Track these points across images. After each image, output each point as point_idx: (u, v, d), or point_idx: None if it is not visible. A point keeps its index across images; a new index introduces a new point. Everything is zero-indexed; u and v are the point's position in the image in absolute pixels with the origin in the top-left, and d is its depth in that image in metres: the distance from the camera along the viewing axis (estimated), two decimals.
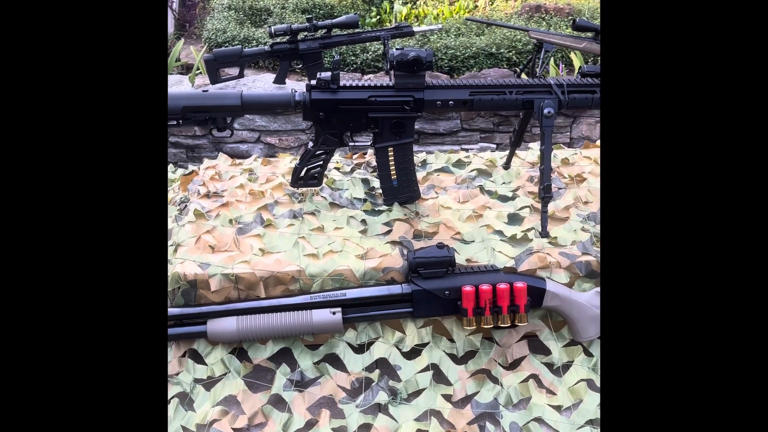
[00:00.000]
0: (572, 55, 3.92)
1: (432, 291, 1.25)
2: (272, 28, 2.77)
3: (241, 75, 3.05)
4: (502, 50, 3.92)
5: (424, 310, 1.26)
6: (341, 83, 1.38)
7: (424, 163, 1.76)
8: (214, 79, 2.93)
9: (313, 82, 1.37)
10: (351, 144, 1.45)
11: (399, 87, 1.38)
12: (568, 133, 3.84)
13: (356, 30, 3.07)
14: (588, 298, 1.29)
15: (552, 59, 4.24)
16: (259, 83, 3.61)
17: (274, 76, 3.32)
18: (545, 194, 1.37)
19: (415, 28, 3.10)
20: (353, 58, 3.84)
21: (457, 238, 1.39)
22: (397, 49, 1.34)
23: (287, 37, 2.89)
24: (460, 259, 1.32)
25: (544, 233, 1.38)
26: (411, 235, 1.39)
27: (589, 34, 3.04)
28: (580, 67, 1.48)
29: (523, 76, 3.54)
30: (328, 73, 1.37)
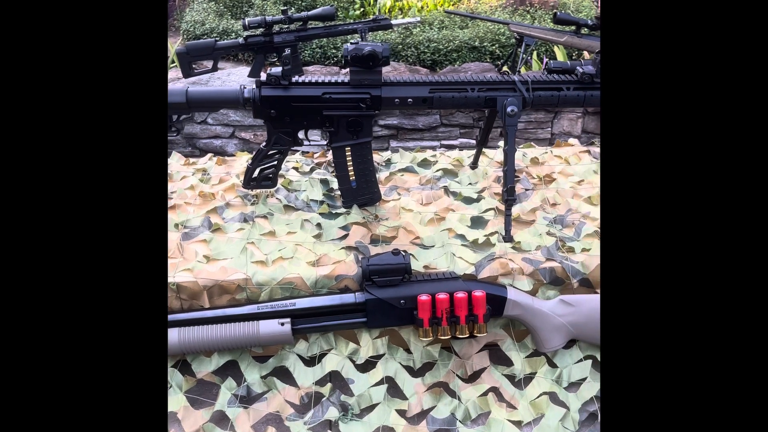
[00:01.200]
0: (556, 49, 3.86)
1: (386, 300, 1.18)
2: (246, 20, 2.69)
3: (214, 68, 2.97)
4: (485, 44, 3.87)
5: (378, 321, 1.19)
6: (294, 79, 1.31)
7: (388, 162, 1.69)
8: (187, 72, 2.84)
9: (264, 77, 1.29)
10: (306, 143, 1.38)
11: (354, 83, 1.30)
12: (549, 129, 3.78)
13: (333, 22, 2.99)
14: (551, 306, 1.22)
15: (535, 53, 4.18)
16: (235, 77, 3.53)
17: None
18: (509, 197, 1.31)
19: (393, 21, 3.02)
20: (334, 50, 3.77)
21: (416, 243, 1.33)
22: (351, 43, 1.27)
23: (262, 30, 2.81)
24: (418, 266, 1.25)
25: (507, 237, 1.32)
26: (368, 240, 1.33)
27: (571, 28, 2.98)
28: (547, 63, 1.42)
29: (505, 69, 3.48)
30: (279, 69, 1.29)
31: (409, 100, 1.31)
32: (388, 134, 3.66)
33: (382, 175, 1.61)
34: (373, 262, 1.18)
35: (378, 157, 1.70)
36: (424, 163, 1.69)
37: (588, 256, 1.28)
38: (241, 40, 2.84)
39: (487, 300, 1.19)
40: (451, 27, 4.07)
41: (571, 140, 1.81)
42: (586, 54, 3.72)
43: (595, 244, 1.31)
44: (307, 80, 1.31)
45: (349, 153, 1.37)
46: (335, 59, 3.77)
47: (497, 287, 1.22)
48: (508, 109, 1.29)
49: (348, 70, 1.30)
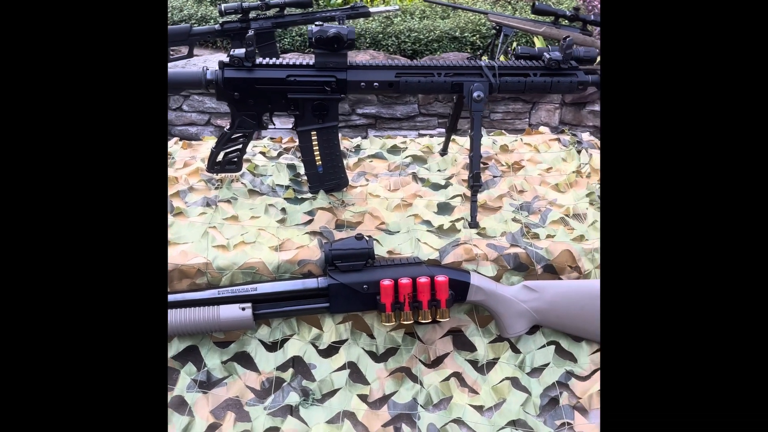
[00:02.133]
0: (536, 40, 3.86)
1: (349, 285, 1.17)
2: (222, 6, 2.66)
3: (190, 54, 2.93)
4: (466, 34, 3.86)
5: (341, 306, 1.18)
6: (258, 61, 1.29)
7: (357, 148, 1.68)
8: None
9: (226, 59, 1.27)
10: (271, 127, 1.36)
11: (319, 66, 1.29)
12: (527, 119, 3.80)
13: (311, 9, 2.96)
14: (514, 292, 1.22)
15: (515, 44, 4.17)
16: (211, 63, 3.48)
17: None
18: (474, 183, 1.30)
19: (372, 9, 3.00)
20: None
21: (382, 229, 1.32)
22: (316, 25, 1.25)
23: (238, 16, 2.77)
24: (381, 251, 1.24)
25: (473, 223, 1.32)
26: (333, 226, 1.31)
27: (550, 19, 2.97)
28: (514, 49, 1.40)
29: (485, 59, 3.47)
30: (242, 50, 1.27)
31: (375, 84, 1.30)
32: (366, 123, 3.65)
33: (350, 161, 1.59)
34: (335, 247, 1.17)
35: (348, 143, 1.69)
36: (394, 150, 1.68)
37: (552, 243, 1.28)
38: (217, 26, 2.80)
39: (450, 285, 1.18)
40: (432, 17, 4.06)
41: (542, 128, 1.81)
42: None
43: (560, 231, 1.32)
44: (271, 62, 1.29)
45: (315, 137, 1.36)
46: None
47: (461, 272, 1.21)
48: (474, 95, 1.28)
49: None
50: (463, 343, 1.26)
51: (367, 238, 1.19)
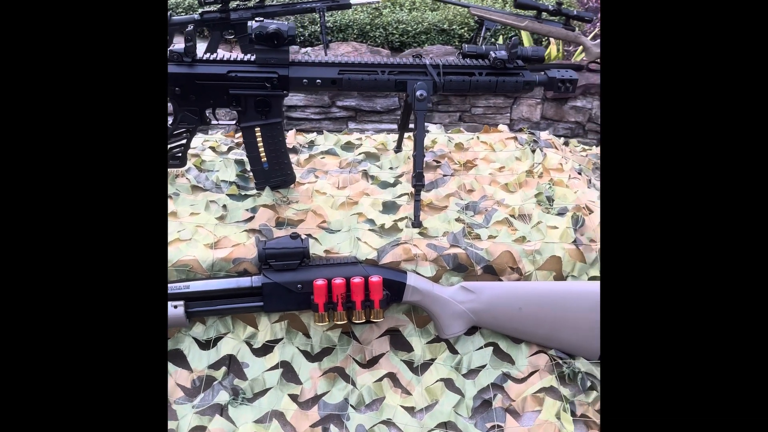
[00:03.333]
0: (523, 34, 3.84)
1: (283, 284, 1.16)
2: None
3: (169, 43, 2.91)
4: (454, 27, 3.85)
5: (275, 305, 1.18)
6: (199, 56, 1.27)
7: (311, 144, 1.67)
8: None
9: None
10: (213, 123, 1.35)
11: (261, 62, 1.27)
12: (509, 115, 3.78)
13: (291, 0, 2.95)
14: (452, 293, 1.22)
15: (501, 38, 4.15)
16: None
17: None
18: (417, 182, 1.29)
19: (352, 0, 2.98)
20: (300, 29, 3.72)
21: (323, 227, 1.31)
22: (256, 21, 1.24)
23: (218, 6, 2.76)
24: (320, 250, 1.23)
25: (416, 223, 1.31)
26: (273, 223, 1.31)
27: (532, 13, 2.95)
28: (504, 42, 1.38)
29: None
30: (182, 45, 1.25)
31: (318, 81, 1.28)
32: (346, 116, 3.63)
33: (302, 157, 1.58)
34: (269, 245, 1.16)
35: (301, 138, 1.68)
36: (348, 146, 1.67)
37: (493, 243, 1.27)
38: (196, 15, 2.78)
39: (386, 285, 1.18)
40: (421, 8, 4.04)
41: (501, 126, 1.80)
42: (553, 41, 3.70)
43: (503, 232, 1.31)
44: (212, 57, 1.28)
45: (259, 133, 1.34)
46: (302, 37, 3.73)
47: (397, 273, 1.21)
48: (417, 93, 1.27)
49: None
50: (400, 344, 1.25)
51: (303, 237, 1.18)
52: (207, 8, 2.73)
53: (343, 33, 3.82)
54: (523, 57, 1.32)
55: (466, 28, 3.82)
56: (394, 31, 3.79)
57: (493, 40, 3.80)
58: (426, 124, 1.32)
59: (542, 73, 1.34)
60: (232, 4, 2.76)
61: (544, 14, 2.93)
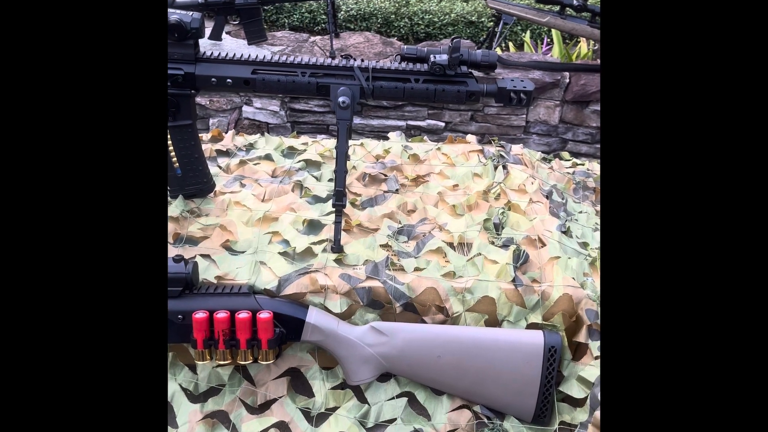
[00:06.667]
0: (552, 32, 3.60)
1: None
2: None
3: None
4: (483, 19, 3.67)
5: None
6: None
7: (250, 146, 1.51)
8: None
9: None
10: None
11: None
12: (525, 116, 3.54)
13: None
14: (360, 334, 1.05)
15: (528, 34, 3.93)
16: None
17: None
18: (336, 202, 1.13)
19: None
20: (324, 17, 3.62)
21: (227, 246, 1.16)
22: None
23: None
24: (212, 274, 1.08)
25: (336, 247, 1.15)
26: (171, 239, 1.16)
27: (554, 8, 2.74)
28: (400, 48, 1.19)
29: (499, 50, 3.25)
30: None
31: (228, 80, 1.13)
32: None
33: (233, 162, 1.43)
34: None
35: (241, 140, 1.53)
36: (291, 152, 1.50)
37: (418, 277, 1.10)
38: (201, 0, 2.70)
39: (281, 321, 1.02)
40: None
41: (469, 137, 1.61)
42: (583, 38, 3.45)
43: (434, 263, 1.13)
44: None
45: (169, 136, 1.20)
46: (323, 25, 3.61)
47: (297, 307, 1.05)
48: (340, 100, 1.10)
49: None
50: (301, 387, 1.09)
51: (186, 261, 1.03)
52: None
53: (366, 22, 3.68)
54: (471, 63, 1.13)
55: (495, 21, 3.63)
56: (420, 22, 3.64)
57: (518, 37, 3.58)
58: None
59: (494, 83, 1.16)
60: None
61: (569, 10, 2.71)
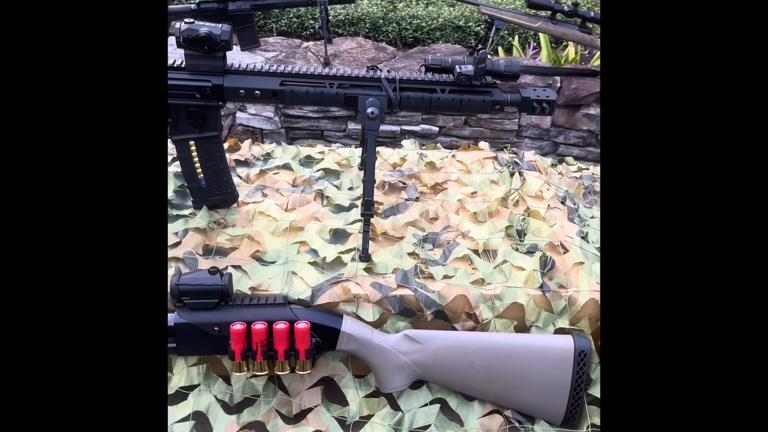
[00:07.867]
0: (541, 37, 3.64)
1: (198, 325, 1.02)
2: None
3: None
4: (470, 24, 3.70)
5: (189, 348, 1.04)
6: None
7: (267, 156, 1.52)
8: None
9: None
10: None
11: (191, 69, 1.13)
12: (517, 119, 3.58)
13: None
14: (394, 342, 1.07)
15: (517, 39, 3.96)
16: None
17: None
18: (365, 211, 1.14)
19: None
20: (312, 21, 3.61)
21: (257, 257, 1.16)
22: (186, 22, 1.09)
23: None
24: (246, 285, 1.09)
25: (364, 256, 1.16)
26: (201, 251, 1.16)
27: (546, 13, 2.77)
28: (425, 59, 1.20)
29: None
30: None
31: (257, 92, 1.13)
32: (346, 115, 3.47)
33: (252, 172, 1.43)
34: (184, 281, 1.02)
35: (258, 150, 1.53)
36: (308, 161, 1.51)
37: (447, 285, 1.11)
38: (193, 5, 2.68)
39: (317, 331, 1.03)
40: (438, 3, 3.88)
41: (482, 143, 1.63)
42: (571, 43, 3.50)
43: (462, 271, 1.15)
44: None
45: (194, 147, 1.20)
46: (312, 30, 3.61)
47: (331, 317, 1.06)
48: (368, 111, 1.12)
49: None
50: (335, 395, 1.10)
51: (222, 272, 1.03)
52: None
53: (354, 27, 3.69)
54: (495, 73, 1.15)
55: (483, 26, 3.67)
56: (408, 27, 3.65)
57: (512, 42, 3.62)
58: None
59: (518, 93, 1.18)
60: None
61: (560, 15, 2.75)
